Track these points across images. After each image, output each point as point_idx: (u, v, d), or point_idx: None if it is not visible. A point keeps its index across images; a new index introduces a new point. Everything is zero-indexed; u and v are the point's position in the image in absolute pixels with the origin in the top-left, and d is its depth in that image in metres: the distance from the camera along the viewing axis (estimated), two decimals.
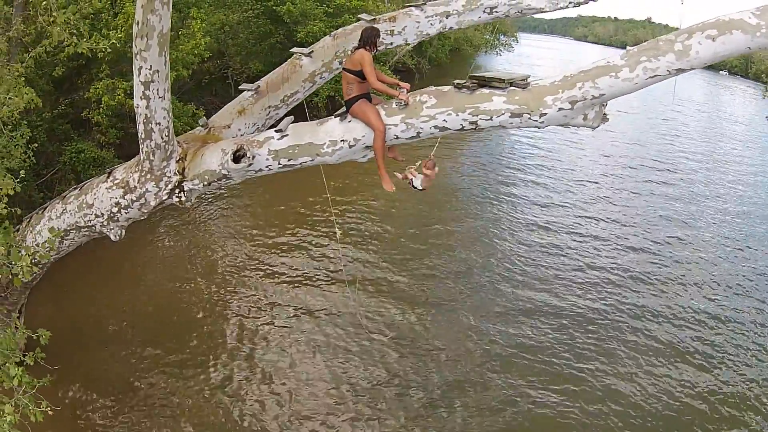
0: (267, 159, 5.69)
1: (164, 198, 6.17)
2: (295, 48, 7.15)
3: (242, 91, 6.97)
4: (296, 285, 10.80)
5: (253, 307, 10.04)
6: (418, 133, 5.33)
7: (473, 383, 8.60)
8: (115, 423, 7.33)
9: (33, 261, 7.36)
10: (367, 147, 5.49)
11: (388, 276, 11.38)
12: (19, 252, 5.05)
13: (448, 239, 13.58)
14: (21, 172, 5.71)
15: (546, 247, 13.49)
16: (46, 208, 7.27)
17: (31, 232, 7.23)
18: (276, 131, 5.71)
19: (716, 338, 10.43)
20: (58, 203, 7.04)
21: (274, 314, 9.87)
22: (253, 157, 5.63)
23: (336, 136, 5.52)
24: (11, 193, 4.86)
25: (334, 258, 11.80)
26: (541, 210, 16.10)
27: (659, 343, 10.06)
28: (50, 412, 4.32)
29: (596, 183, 19.54)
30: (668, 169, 22.16)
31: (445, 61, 36.50)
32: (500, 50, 45.78)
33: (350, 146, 5.51)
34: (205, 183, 6.00)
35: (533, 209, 16.12)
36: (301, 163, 5.68)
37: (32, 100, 6.73)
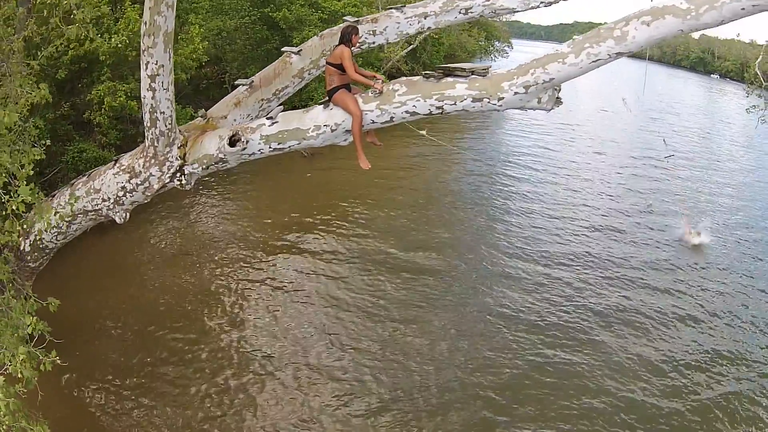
0: (259, 143, 6.34)
1: (167, 181, 6.77)
2: (285, 47, 7.84)
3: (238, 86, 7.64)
4: (296, 283, 11.18)
5: (253, 301, 10.46)
6: (392, 117, 5.99)
7: (468, 384, 8.69)
8: (113, 404, 7.61)
9: (41, 245, 7.91)
10: (347, 131, 6.14)
11: (386, 273, 11.75)
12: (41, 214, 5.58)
13: (443, 235, 14.07)
14: (47, 141, 6.24)
15: (543, 250, 13.77)
16: (54, 195, 7.81)
17: (40, 220, 7.81)
18: (267, 119, 6.37)
19: (711, 338, 10.55)
20: (67, 190, 7.61)
21: (276, 307, 10.27)
22: (247, 141, 6.30)
23: (320, 121, 6.19)
24: (39, 158, 5.42)
25: (333, 256, 12.30)
26: (535, 209, 16.62)
27: (659, 345, 10.16)
28: (59, 362, 4.66)
29: (590, 180, 20.29)
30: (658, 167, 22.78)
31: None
32: (494, 56, 46.53)
33: (332, 130, 6.17)
34: (204, 167, 6.63)
35: (526, 210, 16.57)
36: (289, 146, 6.33)
37: (45, 96, 7.27)
